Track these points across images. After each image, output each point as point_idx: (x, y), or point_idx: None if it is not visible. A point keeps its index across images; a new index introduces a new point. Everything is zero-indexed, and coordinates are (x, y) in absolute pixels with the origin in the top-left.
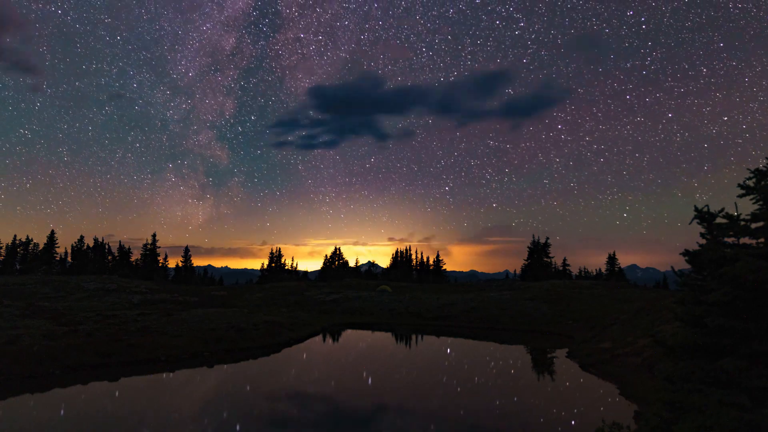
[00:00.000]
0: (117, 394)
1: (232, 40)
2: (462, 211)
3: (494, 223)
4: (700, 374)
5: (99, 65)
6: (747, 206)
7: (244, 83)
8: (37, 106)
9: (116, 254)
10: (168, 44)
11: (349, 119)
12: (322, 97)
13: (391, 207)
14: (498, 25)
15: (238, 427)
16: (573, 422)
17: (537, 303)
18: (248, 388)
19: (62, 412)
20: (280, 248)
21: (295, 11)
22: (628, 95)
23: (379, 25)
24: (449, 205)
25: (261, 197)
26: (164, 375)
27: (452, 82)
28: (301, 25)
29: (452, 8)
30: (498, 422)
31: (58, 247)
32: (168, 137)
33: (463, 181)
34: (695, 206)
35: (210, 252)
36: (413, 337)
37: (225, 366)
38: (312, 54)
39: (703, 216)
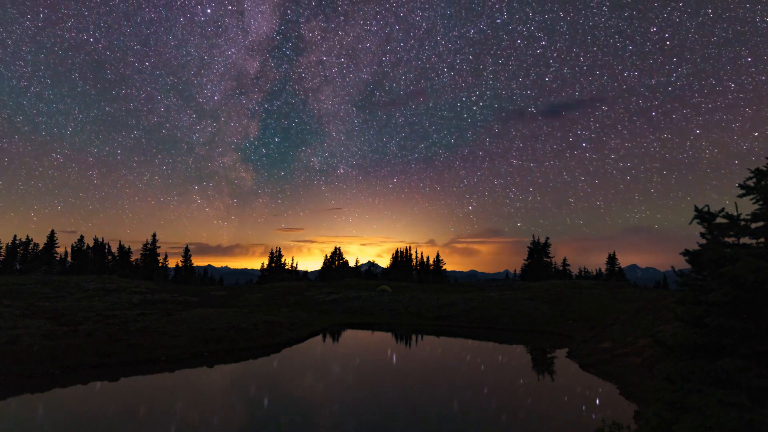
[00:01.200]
0: (117, 394)
1: (257, 64)
2: (486, 230)
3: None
4: (700, 374)
5: (128, 90)
6: (747, 206)
7: (268, 106)
8: (69, 131)
9: (116, 254)
10: (194, 69)
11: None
12: (346, 118)
13: (413, 226)
14: (519, 44)
15: (237, 428)
16: (573, 422)
17: (537, 303)
18: (248, 388)
19: (62, 412)
20: (280, 248)
21: (318, 35)
22: (653, 112)
23: (400, 46)
24: (473, 224)
25: (285, 218)
26: (164, 375)
27: (474, 101)
28: (324, 48)
29: (473, 29)
30: (498, 422)
31: (58, 247)
32: (194, 159)
33: (487, 201)
34: (695, 206)
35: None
36: (413, 337)
37: (225, 366)
38: (335, 76)
39: (703, 216)
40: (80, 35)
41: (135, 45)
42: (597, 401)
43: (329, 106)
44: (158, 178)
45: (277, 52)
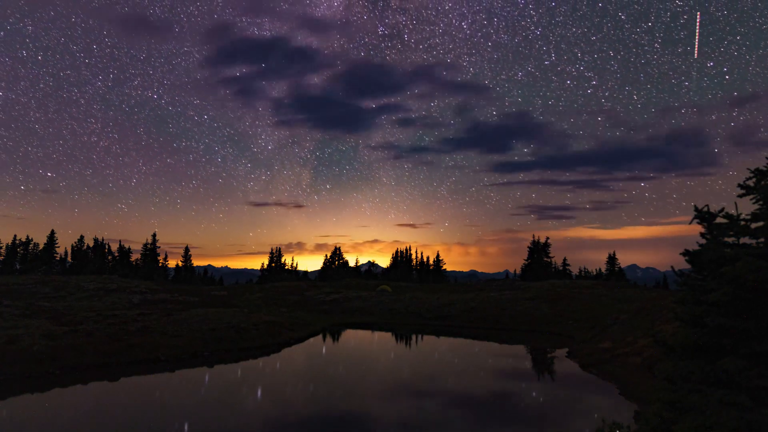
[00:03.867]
0: (117, 394)
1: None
2: None
3: None
4: (701, 374)
5: (188, 143)
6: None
7: (320, 153)
8: (133, 182)
9: (116, 254)
10: (249, 120)
11: None
12: (396, 163)
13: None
14: (569, 84)
15: (238, 428)
16: (573, 422)
17: (537, 303)
18: (248, 388)
19: (62, 412)
20: (280, 248)
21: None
22: (716, 149)
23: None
24: None
25: None
26: (164, 375)
27: (523, 143)
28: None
29: (521, 72)
30: (498, 422)
31: (58, 247)
32: (248, 207)
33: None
34: (695, 206)
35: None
36: (413, 337)
37: (225, 366)
38: (384, 123)
39: (703, 216)
40: (145, 92)
41: (195, 99)
42: (597, 401)
43: (379, 153)
44: (215, 225)
45: (328, 100)
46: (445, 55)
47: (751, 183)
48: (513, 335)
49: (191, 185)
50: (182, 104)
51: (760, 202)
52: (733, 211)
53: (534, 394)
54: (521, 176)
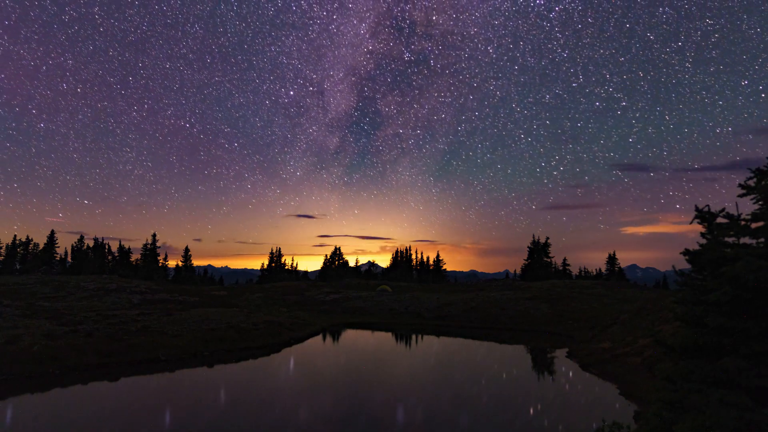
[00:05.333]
0: (117, 394)
1: (336, 140)
2: None
3: None
4: (701, 374)
5: (219, 170)
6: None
7: (347, 179)
8: (166, 209)
9: (116, 254)
10: (278, 147)
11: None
12: (424, 188)
13: None
14: (598, 106)
15: (237, 427)
16: (573, 422)
17: (537, 303)
18: (248, 388)
19: (63, 412)
20: (280, 248)
21: (394, 109)
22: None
23: (475, 115)
24: None
25: None
26: (164, 375)
27: (553, 166)
28: (400, 120)
29: (548, 94)
30: (498, 422)
31: (58, 246)
32: (278, 233)
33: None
34: (695, 206)
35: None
36: (413, 337)
37: (225, 366)
38: (411, 147)
39: (704, 216)
40: (178, 121)
41: (225, 128)
42: (597, 401)
43: (407, 177)
44: (242, 245)
45: (356, 127)
46: (471, 79)
47: (751, 183)
48: (513, 335)
49: (222, 211)
50: (213, 132)
51: (760, 202)
52: (733, 212)
53: (534, 394)
54: (551, 199)
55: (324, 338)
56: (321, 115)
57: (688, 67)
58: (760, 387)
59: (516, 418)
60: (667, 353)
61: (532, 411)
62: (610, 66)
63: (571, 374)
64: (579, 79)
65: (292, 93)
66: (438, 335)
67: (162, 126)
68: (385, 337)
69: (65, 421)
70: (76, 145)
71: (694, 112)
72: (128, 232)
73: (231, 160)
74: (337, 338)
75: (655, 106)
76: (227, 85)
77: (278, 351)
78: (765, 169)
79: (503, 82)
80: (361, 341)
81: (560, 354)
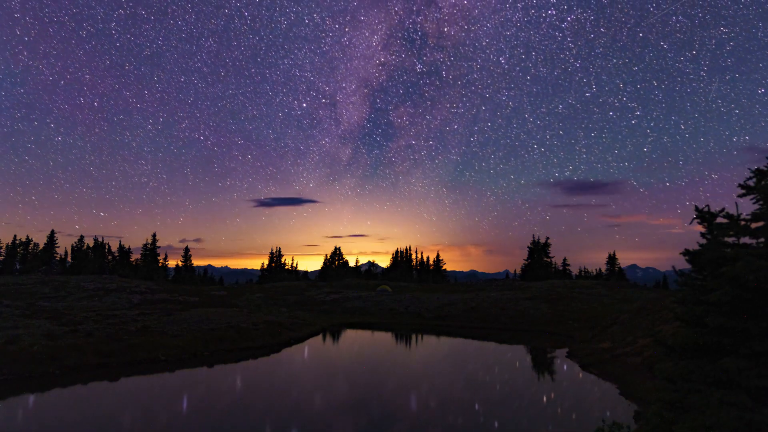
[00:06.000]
0: (117, 394)
1: (349, 151)
2: None
3: None
4: (701, 374)
5: (232, 182)
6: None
7: (360, 190)
8: (180, 221)
9: (116, 254)
10: (291, 159)
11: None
12: (437, 199)
13: None
14: (612, 116)
15: (237, 427)
16: (573, 422)
17: (537, 303)
18: (248, 388)
19: (62, 412)
20: (280, 248)
21: (406, 120)
22: None
23: (488, 126)
24: None
25: None
26: (164, 375)
27: (567, 176)
28: (413, 132)
29: (561, 104)
30: (498, 421)
31: (58, 246)
32: (289, 244)
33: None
34: (695, 206)
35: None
36: (413, 337)
37: (225, 366)
38: (424, 159)
39: (704, 216)
40: (193, 134)
41: (239, 140)
42: (597, 401)
43: (420, 188)
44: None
45: (368, 138)
46: (484, 90)
47: (751, 183)
48: (513, 335)
49: (235, 222)
50: (227, 145)
51: (760, 202)
52: (733, 211)
53: (534, 394)
54: (564, 211)
55: (324, 338)
56: (334, 126)
57: (702, 76)
58: (760, 387)
59: (516, 417)
60: (667, 353)
61: (532, 411)
62: (624, 75)
63: (571, 374)
64: (592, 88)
65: (305, 105)
66: (438, 335)
67: (177, 139)
68: (385, 337)
69: (65, 421)
70: (92, 158)
71: (710, 121)
72: (143, 244)
73: (244, 173)
74: (337, 338)
75: (670, 116)
76: (241, 97)
77: (278, 351)
78: (765, 169)
79: (516, 92)
80: (361, 341)
81: (560, 354)
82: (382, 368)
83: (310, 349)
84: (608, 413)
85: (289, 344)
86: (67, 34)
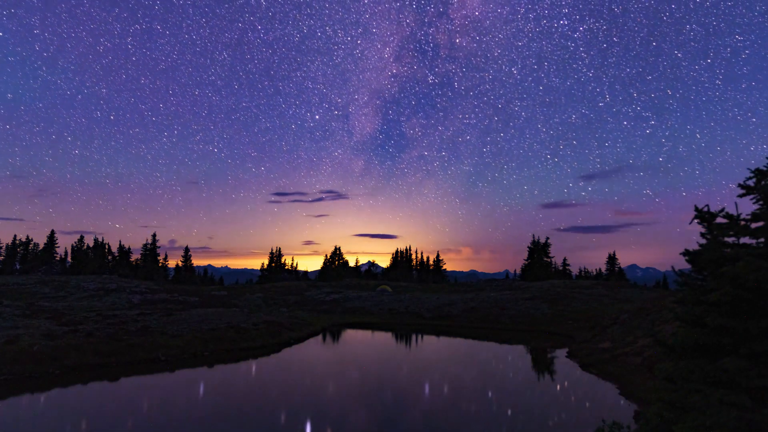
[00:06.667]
0: (117, 394)
1: (361, 163)
2: None
3: None
4: (701, 374)
5: (245, 194)
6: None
7: (373, 201)
8: (195, 231)
9: (116, 254)
10: (304, 170)
11: None
12: (449, 210)
13: None
14: (626, 126)
15: (237, 428)
16: (573, 422)
17: (537, 303)
18: (248, 388)
19: (62, 412)
20: (280, 248)
21: (419, 131)
22: None
23: (500, 137)
24: None
25: None
26: (164, 375)
27: (581, 186)
28: (425, 143)
29: (574, 114)
30: (499, 422)
31: (58, 246)
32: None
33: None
34: (695, 206)
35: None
36: (413, 337)
37: (225, 366)
38: (436, 169)
39: (704, 216)
40: (206, 146)
41: (252, 152)
42: (597, 401)
43: (432, 199)
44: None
45: (380, 149)
46: (496, 100)
47: (751, 183)
48: (513, 335)
49: (249, 233)
50: (241, 157)
51: (760, 202)
52: (732, 211)
53: (534, 394)
54: (580, 220)
55: (324, 338)
56: (346, 138)
57: (718, 85)
58: (760, 387)
59: (516, 417)
60: (667, 353)
61: (532, 411)
62: (638, 85)
63: (571, 374)
64: (605, 98)
65: (317, 117)
66: (438, 335)
67: (191, 151)
68: (385, 337)
69: (65, 421)
70: (108, 170)
71: (726, 129)
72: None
73: (258, 184)
74: (337, 338)
75: (686, 125)
76: (254, 110)
77: (278, 351)
78: (765, 169)
79: (528, 102)
80: (361, 341)
81: (560, 354)
82: (382, 368)
83: (310, 349)
84: (608, 413)
85: (289, 344)
86: (84, 50)
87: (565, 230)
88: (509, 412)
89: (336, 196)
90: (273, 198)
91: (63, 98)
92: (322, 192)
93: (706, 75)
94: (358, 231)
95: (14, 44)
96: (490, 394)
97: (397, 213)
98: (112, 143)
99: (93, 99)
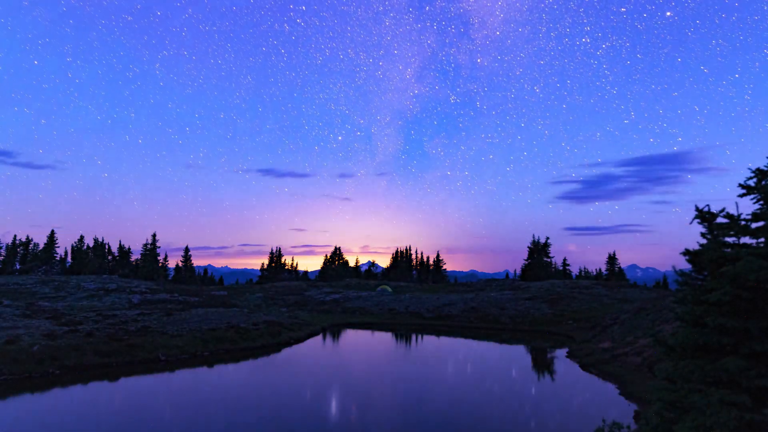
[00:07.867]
0: (117, 394)
1: (384, 183)
2: None
3: None
4: (701, 374)
5: (271, 215)
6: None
7: (396, 222)
8: (215, 249)
9: (116, 254)
10: (327, 191)
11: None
12: (473, 230)
13: None
14: (652, 142)
15: (236, 427)
16: (573, 422)
17: (537, 303)
18: (248, 388)
19: (62, 412)
20: (280, 248)
21: (441, 150)
22: None
23: (524, 155)
24: None
25: None
26: (164, 375)
27: (608, 205)
28: (447, 162)
29: (599, 131)
30: (499, 422)
31: (58, 246)
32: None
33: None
34: (695, 206)
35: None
36: (413, 337)
37: (225, 366)
38: (459, 189)
39: (704, 216)
40: (231, 168)
41: (276, 174)
42: (597, 401)
43: (457, 218)
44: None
45: (403, 170)
46: (519, 119)
47: (751, 183)
48: (513, 335)
49: (266, 250)
50: (265, 179)
51: (761, 202)
52: (733, 211)
53: (534, 394)
54: (605, 236)
55: (324, 338)
56: (369, 158)
57: (747, 100)
58: (760, 387)
59: (516, 417)
60: (667, 353)
61: (532, 411)
62: (663, 101)
63: (571, 374)
64: (630, 115)
65: (340, 138)
66: (438, 335)
67: (216, 173)
68: (385, 337)
69: (65, 421)
70: (135, 193)
71: (757, 145)
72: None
73: (282, 206)
74: (337, 338)
75: (714, 140)
76: (278, 132)
77: (278, 351)
78: (765, 169)
79: (551, 120)
80: (361, 341)
81: (560, 354)
82: (382, 369)
83: (310, 350)
84: (608, 413)
85: (289, 344)
86: (114, 75)
87: (592, 247)
88: (509, 412)
89: (357, 213)
90: (295, 223)
91: (93, 123)
92: (344, 209)
93: (734, 90)
94: (382, 248)
95: (48, 72)
96: (489, 394)
97: (422, 233)
98: (140, 166)
99: (121, 123)
